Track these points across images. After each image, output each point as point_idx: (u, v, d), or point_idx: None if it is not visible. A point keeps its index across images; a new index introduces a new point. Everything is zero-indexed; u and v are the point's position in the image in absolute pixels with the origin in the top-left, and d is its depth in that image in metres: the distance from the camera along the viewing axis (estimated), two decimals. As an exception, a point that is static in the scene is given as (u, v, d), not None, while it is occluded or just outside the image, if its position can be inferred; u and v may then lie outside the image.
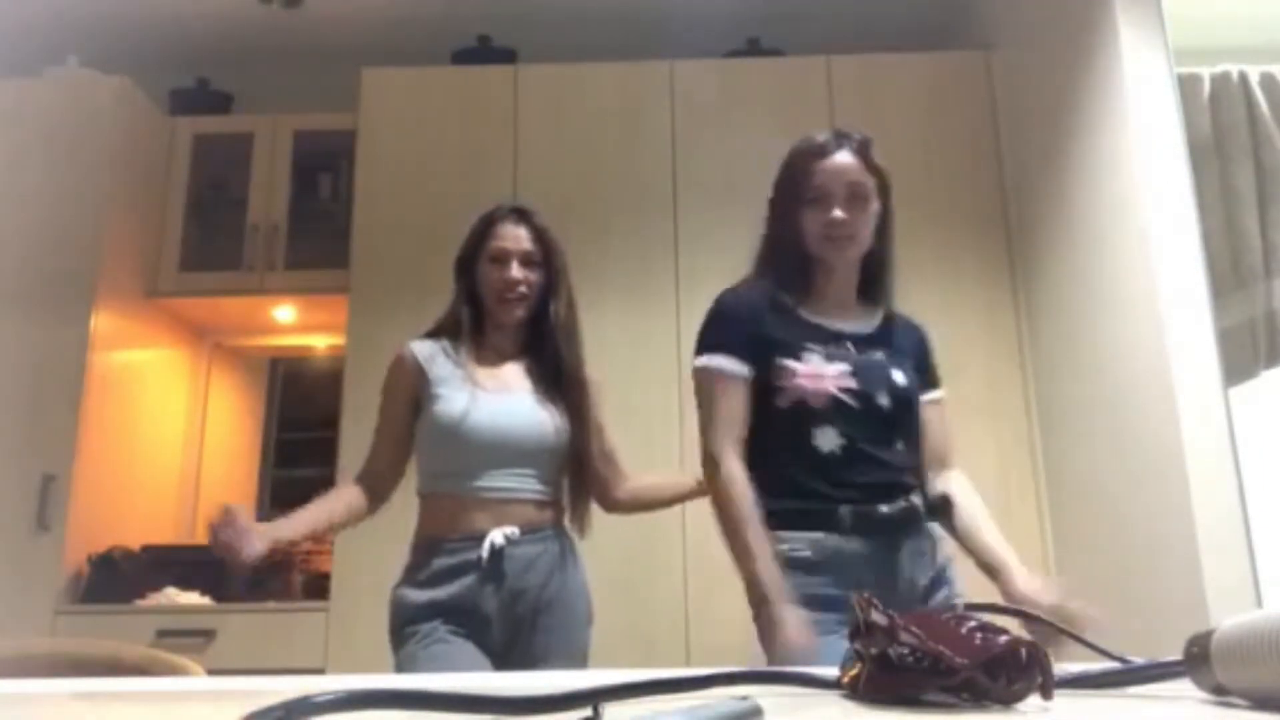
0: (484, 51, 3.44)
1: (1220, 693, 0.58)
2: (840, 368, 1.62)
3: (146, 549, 3.01)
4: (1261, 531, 2.13)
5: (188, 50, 3.61)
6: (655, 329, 2.97)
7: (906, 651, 0.59)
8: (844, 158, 1.67)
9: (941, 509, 1.68)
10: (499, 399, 1.88)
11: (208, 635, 2.79)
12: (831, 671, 0.66)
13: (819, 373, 1.60)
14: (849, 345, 1.66)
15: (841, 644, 1.31)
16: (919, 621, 0.60)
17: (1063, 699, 0.61)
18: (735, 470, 1.59)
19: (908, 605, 1.44)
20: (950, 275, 3.01)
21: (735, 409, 1.63)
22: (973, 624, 0.60)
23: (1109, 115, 2.50)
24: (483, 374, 1.91)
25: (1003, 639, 0.58)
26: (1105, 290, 2.53)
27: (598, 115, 3.20)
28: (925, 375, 1.75)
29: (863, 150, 1.68)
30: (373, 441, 1.93)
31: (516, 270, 1.91)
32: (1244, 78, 2.56)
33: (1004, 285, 3.03)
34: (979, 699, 0.57)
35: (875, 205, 1.68)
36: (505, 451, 1.86)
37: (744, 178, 3.10)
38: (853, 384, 1.61)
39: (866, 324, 1.72)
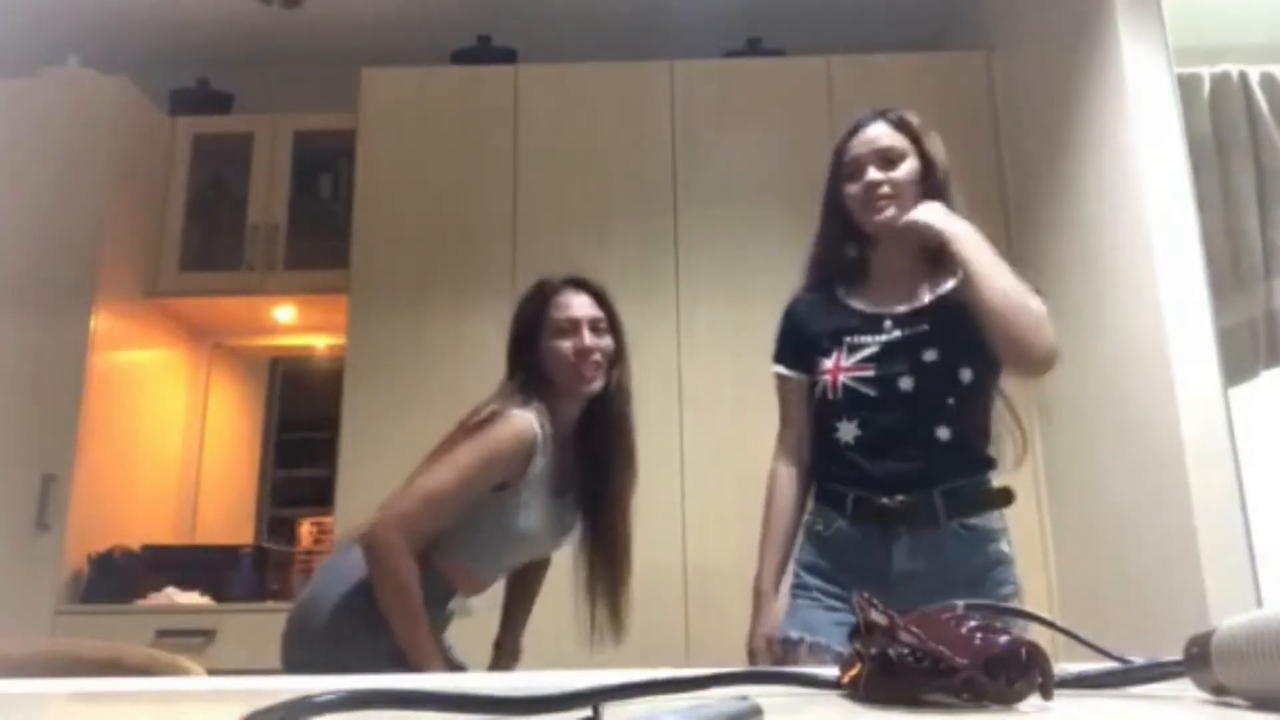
0: (484, 51, 3.44)
1: (1220, 693, 0.58)
2: (861, 355, 1.65)
3: (146, 549, 3.01)
4: (1261, 531, 2.12)
5: (188, 50, 3.61)
6: (655, 329, 2.97)
7: (906, 651, 0.59)
8: (874, 128, 1.73)
9: (996, 500, 1.66)
10: (558, 513, 1.85)
11: (208, 635, 2.79)
12: (831, 671, 0.66)
13: (838, 364, 1.66)
14: (887, 327, 1.66)
15: (814, 610, 1.67)
16: (919, 621, 0.60)
17: (1063, 699, 0.61)
18: (776, 473, 1.76)
19: (901, 598, 1.40)
20: (950, 275, 3.01)
21: (789, 412, 1.78)
22: (973, 624, 0.60)
23: (1109, 115, 2.50)
24: (557, 472, 1.82)
25: (1003, 639, 0.58)
26: (1105, 290, 2.53)
27: (598, 115, 3.20)
28: None
29: (892, 117, 1.73)
30: (442, 503, 1.71)
31: (590, 338, 1.82)
32: (1244, 78, 2.56)
33: (1004, 285, 3.02)
34: (979, 699, 0.57)
35: (911, 163, 1.70)
36: (535, 554, 1.93)
37: (744, 178, 3.11)
38: (869, 371, 1.64)
39: (922, 297, 1.70)
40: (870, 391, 1.63)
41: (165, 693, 0.85)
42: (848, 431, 1.65)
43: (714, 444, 2.87)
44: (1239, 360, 2.39)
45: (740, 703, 0.49)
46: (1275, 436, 2.42)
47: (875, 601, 0.63)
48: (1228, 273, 2.44)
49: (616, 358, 1.87)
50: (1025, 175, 3.02)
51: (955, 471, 1.63)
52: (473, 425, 1.75)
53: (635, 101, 3.22)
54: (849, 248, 1.75)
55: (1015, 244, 3.06)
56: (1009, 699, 0.57)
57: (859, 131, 1.74)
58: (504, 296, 2.97)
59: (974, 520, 1.62)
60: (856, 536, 1.63)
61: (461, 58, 3.42)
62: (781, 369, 1.78)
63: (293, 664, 1.75)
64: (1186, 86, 2.47)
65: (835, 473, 1.68)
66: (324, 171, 3.55)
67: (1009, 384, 1.71)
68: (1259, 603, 2.07)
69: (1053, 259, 2.84)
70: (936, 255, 1.70)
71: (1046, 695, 0.57)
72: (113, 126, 3.16)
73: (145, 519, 3.22)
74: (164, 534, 3.28)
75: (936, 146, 1.73)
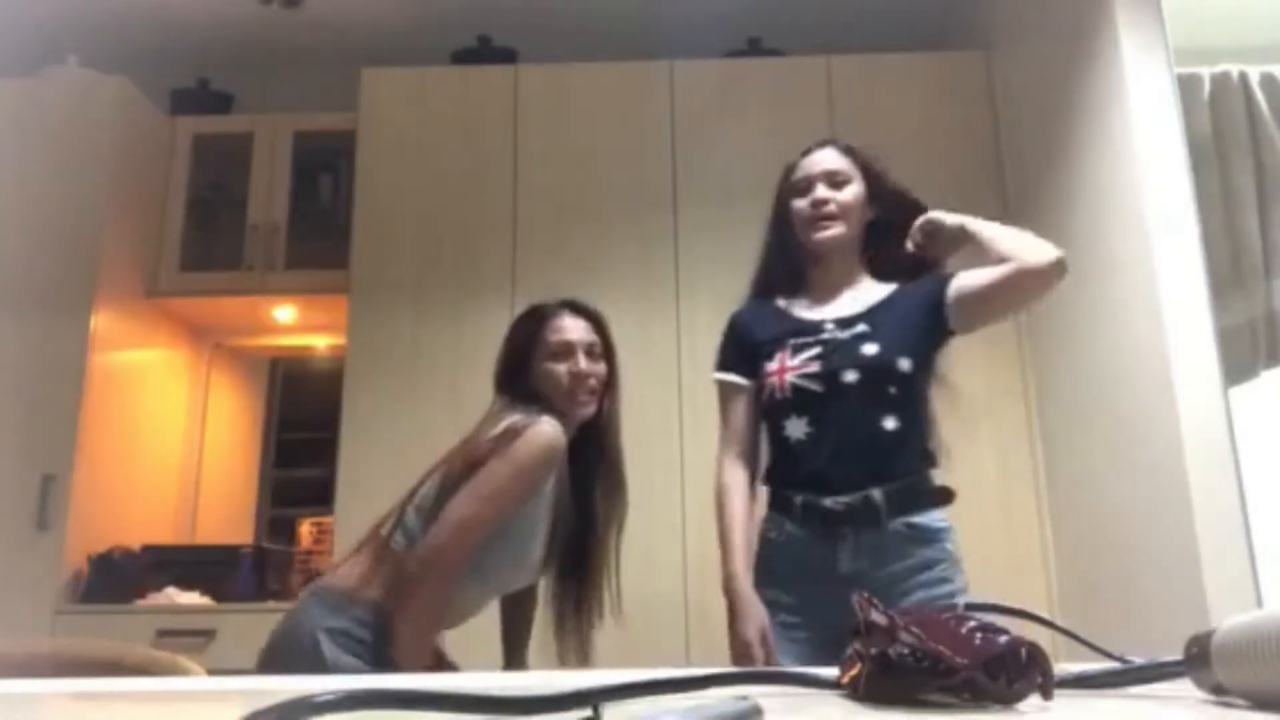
0: (484, 51, 3.44)
1: (1220, 693, 0.58)
2: (806, 355, 1.72)
3: (146, 549, 3.01)
4: (1261, 531, 2.12)
5: (188, 50, 3.61)
6: (655, 330, 2.97)
7: (906, 651, 0.59)
8: (823, 152, 1.84)
9: (936, 499, 1.70)
10: (549, 538, 1.80)
11: (208, 635, 2.79)
12: (831, 671, 0.66)
13: (784, 365, 1.72)
14: (829, 329, 1.74)
15: (772, 630, 1.69)
16: (919, 621, 0.60)
17: (1063, 699, 0.61)
18: (726, 479, 1.77)
19: (849, 599, 1.42)
20: (950, 275, 3.01)
21: (735, 419, 1.81)
22: (973, 624, 0.60)
23: (1109, 115, 2.49)
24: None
25: (1003, 639, 0.58)
26: (1105, 290, 2.53)
27: (598, 115, 3.20)
28: (939, 326, 1.72)
29: (840, 145, 1.85)
30: (478, 531, 1.65)
31: (585, 363, 1.80)
32: (1244, 78, 2.56)
33: (1004, 285, 3.02)
34: (979, 699, 0.57)
35: (856, 187, 1.81)
36: (521, 584, 1.87)
37: (744, 177, 3.10)
38: (815, 368, 1.70)
39: (861, 302, 1.78)
40: (817, 387, 1.69)
41: (165, 693, 0.85)
42: (797, 428, 1.71)
43: (714, 443, 2.86)
44: (1239, 360, 2.38)
45: (740, 703, 0.49)
46: (1275, 436, 2.42)
47: (875, 601, 0.63)
48: (1228, 273, 2.44)
49: (609, 385, 1.86)
50: (1025, 175, 3.01)
51: (900, 466, 1.67)
52: (498, 438, 1.67)
53: (635, 101, 3.22)
54: (793, 260, 1.82)
55: (1015, 244, 3.06)
56: (1009, 699, 0.57)
57: (809, 154, 1.86)
58: (504, 296, 2.98)
59: (917, 519, 1.65)
60: (805, 539, 1.67)
61: (461, 58, 3.42)
62: (729, 376, 1.83)
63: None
64: (1186, 86, 2.47)
65: (785, 476, 1.73)
66: (324, 171, 3.55)
67: (936, 396, 1.77)
68: (1259, 603, 2.07)
69: (1053, 259, 2.84)
70: (888, 270, 1.80)
71: (1046, 695, 0.57)
72: (113, 126, 3.16)
73: (145, 519, 3.22)
74: (164, 534, 3.28)
75: (886, 173, 1.83)
